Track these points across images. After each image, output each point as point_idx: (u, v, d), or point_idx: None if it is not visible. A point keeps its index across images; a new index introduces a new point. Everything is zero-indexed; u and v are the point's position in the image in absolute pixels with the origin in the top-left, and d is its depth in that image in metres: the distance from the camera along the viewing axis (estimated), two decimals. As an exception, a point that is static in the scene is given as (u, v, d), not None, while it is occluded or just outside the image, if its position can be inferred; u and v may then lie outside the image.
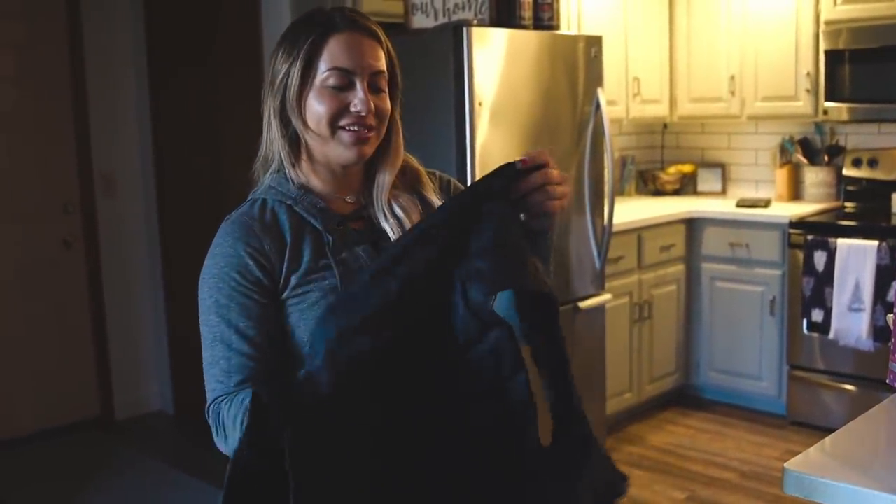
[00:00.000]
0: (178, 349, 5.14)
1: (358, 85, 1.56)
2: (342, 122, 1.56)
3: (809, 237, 4.54)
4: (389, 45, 1.66)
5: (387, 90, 1.62)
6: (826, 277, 4.46)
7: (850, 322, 4.37)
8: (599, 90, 4.13)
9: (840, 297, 4.40)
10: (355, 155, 1.58)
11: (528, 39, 3.82)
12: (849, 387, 4.56)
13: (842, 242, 4.40)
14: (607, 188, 4.23)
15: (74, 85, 4.83)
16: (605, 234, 4.22)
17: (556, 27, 4.06)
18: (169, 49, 4.87)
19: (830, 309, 4.45)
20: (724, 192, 5.62)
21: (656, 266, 4.87)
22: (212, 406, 1.57)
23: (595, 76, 4.14)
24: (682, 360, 5.13)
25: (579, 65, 4.05)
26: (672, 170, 5.69)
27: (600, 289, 4.29)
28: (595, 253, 4.22)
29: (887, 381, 1.91)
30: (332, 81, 1.55)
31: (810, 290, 4.52)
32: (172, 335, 5.15)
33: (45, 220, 4.82)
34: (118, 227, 5.05)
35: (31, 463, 4.56)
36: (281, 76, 1.58)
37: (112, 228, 5.02)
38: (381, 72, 1.60)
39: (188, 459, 4.55)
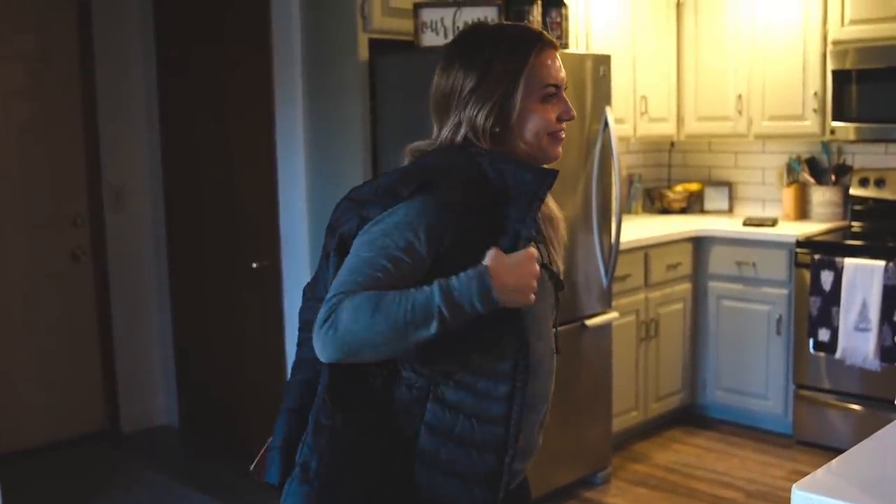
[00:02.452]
0: (184, 363, 5.14)
1: (560, 94, 1.81)
2: (555, 129, 1.80)
3: (816, 256, 4.54)
4: None
5: None
6: (833, 297, 4.46)
7: (857, 342, 4.37)
8: (608, 108, 4.15)
9: (847, 316, 4.40)
10: (558, 155, 1.84)
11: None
12: (855, 406, 4.55)
13: (849, 262, 4.40)
14: (615, 206, 4.24)
15: (85, 98, 4.86)
16: (613, 252, 4.23)
17: (566, 46, 4.08)
18: (179, 63, 4.89)
19: (837, 328, 4.45)
20: (730, 210, 5.63)
21: (663, 284, 4.87)
22: (336, 296, 1.60)
23: (603, 94, 4.16)
24: (689, 379, 5.12)
25: (588, 83, 4.07)
26: (679, 188, 5.70)
27: (607, 307, 4.29)
28: (602, 271, 4.22)
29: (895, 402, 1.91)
30: (549, 93, 1.78)
31: (817, 309, 4.52)
32: (179, 349, 5.16)
33: (54, 233, 4.84)
34: (126, 240, 5.06)
35: (39, 475, 4.56)
36: (495, 92, 1.74)
37: (120, 242, 5.04)
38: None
39: (193, 473, 4.55)
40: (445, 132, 1.80)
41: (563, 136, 1.83)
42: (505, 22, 1.84)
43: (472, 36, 1.83)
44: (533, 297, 1.62)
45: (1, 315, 4.65)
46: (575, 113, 1.85)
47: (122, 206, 5.04)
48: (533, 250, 1.64)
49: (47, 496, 4.32)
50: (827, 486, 1.53)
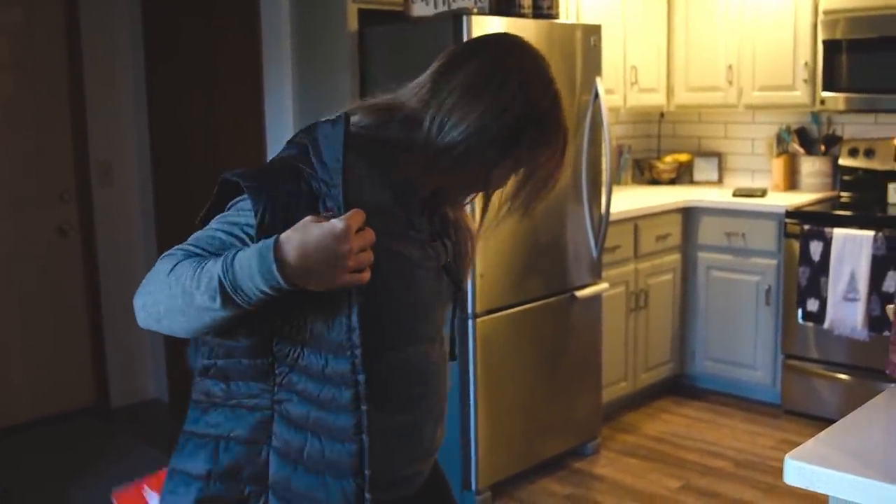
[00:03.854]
0: (173, 338, 5.12)
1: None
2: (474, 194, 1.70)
3: (805, 227, 4.55)
4: None
5: None
6: (822, 267, 4.47)
7: (846, 312, 4.38)
8: (598, 79, 4.13)
9: (835, 286, 4.41)
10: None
11: (527, 28, 3.81)
12: (843, 376, 4.58)
13: (838, 232, 4.41)
14: (605, 177, 4.23)
15: (71, 73, 4.82)
16: (603, 224, 4.23)
17: (556, 16, 4.05)
18: (166, 36, 4.84)
19: (826, 299, 4.47)
20: (720, 181, 5.63)
21: (652, 255, 4.87)
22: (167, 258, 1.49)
23: (594, 65, 4.14)
24: (678, 350, 5.14)
25: (578, 54, 4.05)
26: (668, 159, 5.70)
27: (597, 278, 4.29)
28: (592, 242, 4.22)
29: (887, 372, 1.92)
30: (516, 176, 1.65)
31: (806, 279, 4.53)
32: (168, 323, 5.14)
33: (41, 209, 4.81)
34: (114, 215, 5.04)
35: (29, 450, 4.56)
36: (529, 130, 1.58)
37: (108, 217, 5.01)
38: None
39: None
40: (410, 99, 1.62)
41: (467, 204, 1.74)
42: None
43: (512, 65, 1.59)
44: (348, 277, 1.39)
45: (-12, 290, 4.64)
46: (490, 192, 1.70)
47: (110, 181, 5.00)
48: (351, 222, 1.38)
49: (38, 471, 4.32)
50: (819, 455, 1.54)
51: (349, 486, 1.50)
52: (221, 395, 1.59)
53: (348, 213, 1.39)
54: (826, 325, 4.48)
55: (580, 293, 4.17)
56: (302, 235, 1.36)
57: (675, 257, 5.03)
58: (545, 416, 4.12)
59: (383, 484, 1.57)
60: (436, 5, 3.79)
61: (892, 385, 1.89)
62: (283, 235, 1.37)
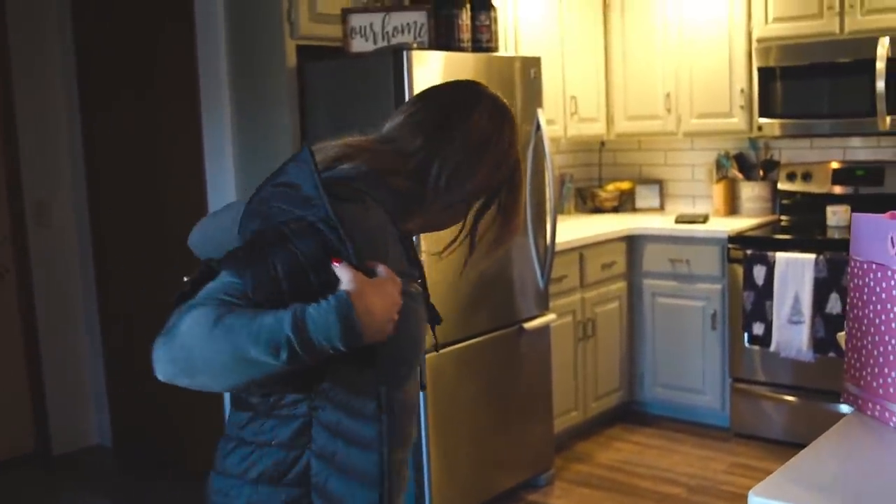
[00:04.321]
0: (116, 380, 5.01)
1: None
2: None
3: (748, 252, 4.59)
4: None
5: None
6: (766, 291, 4.51)
7: (791, 334, 4.43)
8: (539, 110, 4.14)
9: (780, 310, 4.46)
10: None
11: (466, 61, 3.81)
12: (790, 398, 4.62)
13: (780, 256, 4.46)
14: (549, 208, 4.23)
15: (3, 111, 4.70)
16: (549, 254, 4.23)
17: (495, 49, 4.06)
18: (101, 71, 4.75)
19: (771, 322, 4.51)
20: (662, 208, 5.68)
21: (598, 284, 4.88)
22: (186, 306, 1.44)
23: (534, 96, 4.15)
24: (627, 377, 5.15)
25: (518, 86, 4.06)
26: (610, 187, 5.73)
27: (544, 309, 4.29)
28: (538, 273, 4.22)
29: (842, 400, 1.92)
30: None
31: (751, 303, 4.57)
32: (110, 366, 5.02)
33: (-25, 252, 4.68)
34: (52, 256, 4.91)
35: (-35, 504, 4.41)
36: (509, 179, 1.75)
37: (45, 258, 4.89)
38: None
39: (130, 494, 4.44)
40: (404, 145, 1.67)
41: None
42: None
43: (497, 119, 1.74)
44: (394, 316, 1.47)
45: (-79, 339, 4.48)
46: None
47: (47, 221, 4.89)
48: (393, 275, 1.50)
49: (-24, 525, 4.18)
50: (782, 489, 1.53)
51: (374, 498, 1.56)
52: (264, 406, 1.59)
53: (382, 266, 1.49)
54: (772, 347, 4.52)
55: (528, 325, 4.16)
56: (369, 293, 1.42)
57: (620, 285, 5.05)
58: (497, 450, 4.08)
59: None
60: (375, 41, 3.78)
61: (847, 408, 1.90)
62: (354, 293, 1.40)
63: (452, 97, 1.75)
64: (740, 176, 5.29)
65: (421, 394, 1.80)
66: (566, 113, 5.11)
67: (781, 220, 5.11)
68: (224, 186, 4.09)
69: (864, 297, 1.82)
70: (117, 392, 5.02)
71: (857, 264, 1.85)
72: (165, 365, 1.42)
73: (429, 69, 3.60)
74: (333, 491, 1.56)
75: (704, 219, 5.08)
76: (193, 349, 1.38)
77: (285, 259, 1.44)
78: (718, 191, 5.33)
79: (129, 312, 4.83)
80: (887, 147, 4.88)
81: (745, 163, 5.31)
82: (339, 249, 1.46)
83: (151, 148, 4.52)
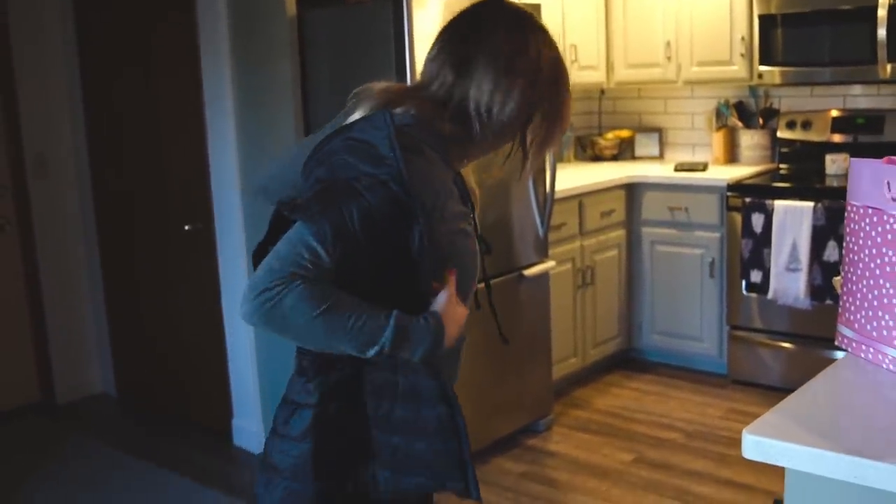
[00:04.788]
0: (119, 329, 5.05)
1: None
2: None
3: (747, 200, 4.61)
4: None
5: None
6: (764, 239, 4.54)
7: (788, 282, 4.46)
8: (539, 58, 4.12)
9: (778, 257, 4.48)
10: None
11: (466, 5, 3.78)
12: (787, 345, 4.66)
13: (779, 204, 4.48)
14: (549, 157, 4.24)
15: (2, 66, 4.69)
16: (548, 202, 4.24)
17: (495, -4, 4.03)
18: (98, 23, 4.73)
19: (769, 270, 4.54)
20: (661, 156, 5.68)
21: (598, 232, 4.91)
22: (292, 275, 1.50)
23: (534, 44, 4.13)
24: (625, 324, 5.19)
25: (518, 33, 4.04)
26: (610, 135, 5.73)
27: (544, 256, 4.32)
28: (538, 221, 4.24)
29: (836, 343, 1.95)
30: None
31: (749, 251, 4.60)
32: (112, 315, 5.06)
33: (-23, 203, 4.70)
34: (52, 207, 4.93)
35: (-27, 451, 4.48)
36: (537, 103, 1.70)
37: (46, 209, 4.91)
38: None
39: (133, 442, 4.50)
40: (438, 88, 1.69)
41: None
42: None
43: (529, 30, 1.73)
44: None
45: (-75, 289, 4.52)
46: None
47: (47, 172, 4.90)
48: (452, 285, 1.62)
49: (-16, 471, 4.24)
50: (775, 428, 1.56)
51: (442, 411, 1.63)
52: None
53: (451, 289, 1.61)
54: (769, 295, 4.55)
55: (527, 272, 4.19)
56: (451, 310, 1.60)
57: (619, 233, 5.07)
58: (497, 396, 4.13)
59: None
60: (376, -12, 3.76)
61: (843, 354, 1.93)
62: (445, 317, 1.58)
63: (470, 24, 1.72)
64: (740, 124, 5.29)
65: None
66: (566, 61, 5.08)
67: (780, 169, 5.12)
68: (225, 136, 4.10)
69: (861, 241, 1.84)
70: (120, 342, 5.07)
71: (854, 209, 1.87)
72: (256, 321, 1.51)
73: (429, 12, 3.58)
74: (397, 419, 1.65)
75: (704, 167, 5.09)
76: (291, 326, 1.50)
77: (359, 209, 1.51)
78: (718, 139, 5.33)
79: (131, 263, 4.86)
80: (887, 95, 4.88)
81: (745, 111, 5.30)
82: (407, 204, 1.52)
83: (150, 98, 4.51)
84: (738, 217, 4.67)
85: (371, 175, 1.53)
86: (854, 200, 1.87)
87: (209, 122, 4.16)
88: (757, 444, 1.53)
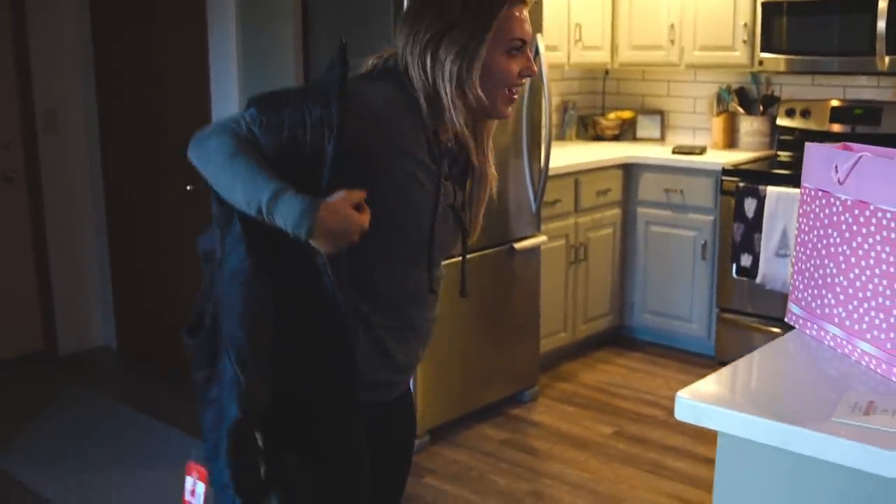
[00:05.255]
0: (121, 285, 5.17)
1: (525, 51, 1.84)
2: (514, 83, 1.83)
3: (740, 184, 4.68)
4: None
5: None
6: (755, 224, 4.61)
7: (777, 267, 4.53)
8: (538, 36, 4.20)
9: (768, 243, 4.55)
10: (508, 115, 1.88)
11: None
12: (775, 329, 4.73)
13: (771, 190, 4.54)
14: (544, 133, 4.31)
15: (14, 19, 4.79)
16: (542, 178, 4.32)
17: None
18: (112, -16, 4.84)
19: (758, 254, 4.61)
20: (662, 138, 5.74)
21: (592, 210, 4.98)
22: (221, 125, 1.76)
23: (534, 22, 4.19)
24: (617, 302, 5.28)
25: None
26: (612, 116, 5.80)
27: (536, 230, 4.40)
28: (531, 196, 4.32)
29: (786, 320, 2.04)
30: (515, 47, 1.81)
31: (740, 235, 4.67)
32: (116, 271, 5.18)
33: (-14, 155, 4.81)
34: (60, 162, 5.04)
35: (-26, 395, 4.61)
36: (467, 34, 1.77)
37: (54, 164, 5.02)
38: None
39: (133, 394, 4.62)
40: (400, 59, 1.84)
41: (516, 97, 1.87)
42: None
43: None
44: (352, 240, 1.67)
45: (-67, 236, 4.64)
46: (536, 70, 1.91)
47: (55, 128, 5.00)
48: (358, 194, 1.67)
49: (-16, 415, 4.38)
50: (709, 393, 1.66)
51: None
52: None
53: (352, 194, 1.66)
54: (758, 280, 4.63)
55: (519, 245, 4.27)
56: (340, 209, 1.64)
57: (615, 212, 5.14)
58: (483, 364, 4.23)
59: (370, 383, 1.88)
60: (379, -42, 3.83)
61: (791, 331, 2.01)
62: (323, 207, 1.63)
63: None
64: (740, 110, 5.34)
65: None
66: (570, 40, 5.15)
67: (779, 156, 5.18)
68: (229, 99, 4.19)
69: (811, 222, 1.92)
70: (121, 297, 5.19)
71: (807, 191, 1.95)
72: (192, 155, 1.78)
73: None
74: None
75: (701, 150, 5.15)
76: (209, 162, 1.72)
77: (294, 112, 1.71)
78: (718, 124, 5.39)
79: (136, 219, 4.96)
80: (886, 87, 4.92)
81: (746, 97, 5.35)
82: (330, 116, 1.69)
83: (157, 58, 4.61)
84: (731, 201, 4.74)
85: (323, 94, 1.71)
86: (807, 183, 1.96)
87: (213, 82, 4.25)
88: (688, 407, 1.62)
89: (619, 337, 5.38)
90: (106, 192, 5.10)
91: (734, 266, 4.74)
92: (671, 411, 4.18)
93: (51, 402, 4.52)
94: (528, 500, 3.57)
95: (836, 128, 4.98)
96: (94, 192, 5.15)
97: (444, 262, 2.02)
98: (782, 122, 5.17)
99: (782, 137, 5.20)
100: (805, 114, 5.08)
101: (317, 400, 1.85)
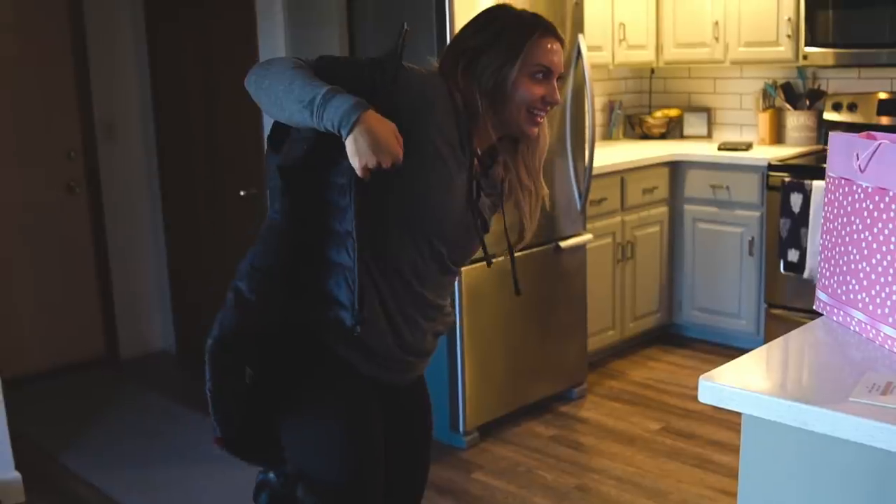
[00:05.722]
0: (179, 290, 5.33)
1: (551, 79, 2.01)
2: (538, 105, 1.99)
3: (786, 179, 4.68)
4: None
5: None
6: (802, 219, 4.60)
7: (824, 261, 4.51)
8: (581, 36, 4.25)
9: (814, 237, 4.55)
10: (533, 133, 2.03)
11: None
12: (823, 324, 4.72)
13: (817, 184, 4.54)
14: (587, 133, 4.37)
15: (73, 33, 4.97)
16: (586, 177, 4.37)
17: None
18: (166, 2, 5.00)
19: (805, 249, 4.61)
20: (709, 135, 5.75)
21: (639, 208, 5.01)
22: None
23: (577, 22, 4.26)
24: (665, 299, 5.30)
25: (560, 12, 4.17)
26: (658, 114, 5.82)
27: (581, 229, 4.45)
28: (576, 194, 4.37)
29: (814, 307, 2.08)
30: (538, 74, 1.98)
31: (787, 231, 4.67)
32: (173, 276, 5.34)
33: (49, 166, 4.98)
34: (119, 171, 5.21)
35: (41, 398, 4.78)
36: (502, 57, 1.96)
37: (113, 172, 5.19)
38: (563, 74, 2.07)
39: (190, 395, 4.75)
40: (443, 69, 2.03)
41: (541, 119, 2.03)
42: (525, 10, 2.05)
43: (494, 9, 2.08)
44: (385, 163, 1.77)
45: (1, 247, 4.82)
46: (560, 100, 2.06)
47: (115, 138, 5.17)
48: (391, 127, 1.80)
49: (50, 417, 4.54)
50: (731, 376, 1.70)
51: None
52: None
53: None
54: (805, 274, 4.62)
55: (564, 243, 4.33)
56: (385, 123, 1.77)
57: (661, 210, 5.17)
58: (532, 362, 4.29)
59: (376, 354, 2.02)
60: (422, -35, 3.91)
61: (818, 318, 2.05)
62: (369, 113, 1.75)
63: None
64: (787, 105, 5.33)
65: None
66: (614, 39, 5.20)
67: (825, 150, 5.15)
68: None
69: (836, 210, 1.96)
70: (180, 302, 5.34)
71: (831, 180, 1.99)
72: (250, 78, 1.91)
73: (470, -5, 3.73)
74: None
75: (747, 147, 5.16)
76: (268, 76, 1.86)
77: (351, 68, 1.94)
78: (764, 119, 5.39)
79: (192, 225, 5.11)
80: (935, 78, 4.89)
81: (792, 92, 5.34)
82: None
83: (211, 69, 4.75)
84: (778, 196, 4.74)
85: (375, 68, 1.90)
86: (831, 172, 2.00)
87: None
88: (710, 389, 1.67)
89: (667, 334, 5.40)
90: (163, 198, 5.27)
91: (781, 261, 4.74)
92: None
93: (113, 405, 4.67)
94: (574, 495, 3.62)
95: (885, 120, 4.95)
96: (152, 199, 5.32)
97: (495, 260, 2.17)
98: (829, 116, 5.15)
99: (829, 132, 5.17)
100: (852, 107, 5.05)
101: (320, 336, 2.00)
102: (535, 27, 1.99)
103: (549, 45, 2.00)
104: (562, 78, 2.07)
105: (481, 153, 2.06)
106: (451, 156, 1.96)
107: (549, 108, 2.02)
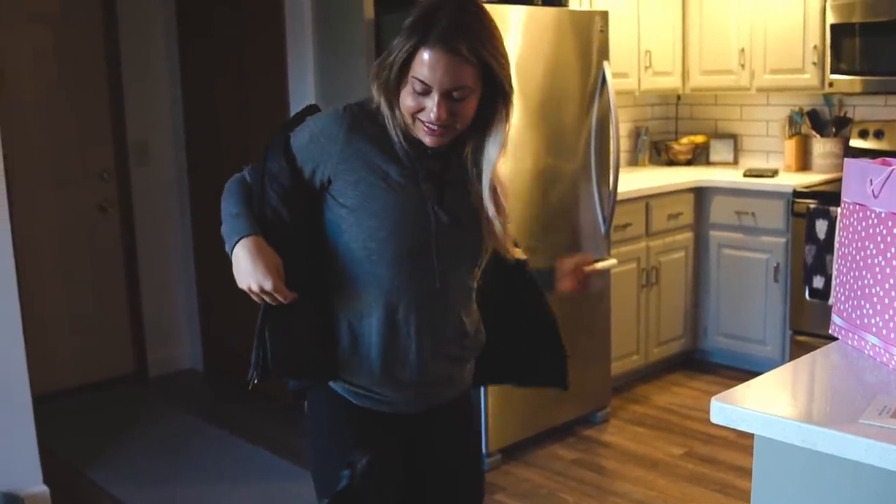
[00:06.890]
0: (207, 310, 5.40)
1: (433, 95, 1.87)
2: (421, 118, 1.90)
3: (811, 206, 4.69)
4: (484, 53, 1.89)
5: (467, 96, 1.90)
6: (827, 245, 4.61)
7: (849, 288, 4.51)
8: (606, 63, 4.30)
9: (839, 264, 4.54)
10: (431, 143, 1.95)
11: (539, 15, 4.01)
12: (849, 351, 4.71)
13: (842, 211, 4.54)
14: (612, 158, 4.40)
15: (108, 57, 5.08)
16: (611, 202, 4.40)
17: (565, 3, 4.23)
18: (197, 22, 5.09)
19: (831, 276, 4.60)
20: (735, 162, 5.77)
21: (664, 233, 5.03)
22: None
23: (602, 49, 4.31)
24: (690, 325, 5.30)
25: (586, 39, 4.22)
26: (685, 140, 5.84)
27: (606, 254, 4.48)
28: (601, 219, 4.40)
29: (830, 331, 2.10)
30: (416, 87, 1.87)
31: (812, 257, 4.67)
32: (202, 296, 5.41)
33: (83, 187, 5.09)
34: (151, 192, 5.31)
35: (71, 414, 4.85)
36: (388, 62, 1.91)
37: (145, 194, 5.29)
38: (459, 87, 1.87)
39: (218, 413, 4.81)
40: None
41: (435, 129, 1.90)
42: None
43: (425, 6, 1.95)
44: (252, 287, 2.08)
45: (35, 266, 4.90)
46: (436, 122, 1.88)
47: (147, 160, 5.27)
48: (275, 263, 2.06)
49: (78, 432, 4.61)
50: (743, 397, 1.73)
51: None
52: None
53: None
54: (830, 301, 4.58)
55: (588, 268, 4.34)
56: (250, 254, 2.06)
57: (687, 235, 5.19)
58: (554, 386, 4.30)
59: (382, 374, 2.06)
60: (448, -7, 3.98)
61: (833, 342, 2.07)
62: (247, 240, 2.07)
63: None
64: (813, 132, 5.35)
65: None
66: (640, 66, 5.24)
67: (852, 177, 5.15)
68: (306, 130, 4.37)
69: (850, 235, 1.99)
70: (209, 321, 5.41)
71: (846, 205, 2.02)
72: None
73: (501, 23, 3.77)
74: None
75: (773, 173, 5.17)
76: (223, 200, 2.20)
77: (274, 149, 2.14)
78: (790, 146, 5.40)
79: (221, 245, 5.16)
80: (962, 106, 4.89)
81: (819, 119, 5.35)
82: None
83: (241, 93, 4.84)
84: (803, 223, 4.75)
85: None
86: (846, 198, 2.02)
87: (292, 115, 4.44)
88: (721, 410, 1.70)
89: (692, 360, 5.40)
90: (193, 220, 5.35)
91: (806, 288, 4.74)
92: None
93: (141, 422, 4.74)
94: (595, 517, 3.64)
95: (912, 148, 4.96)
96: (182, 220, 5.41)
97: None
98: (855, 143, 5.16)
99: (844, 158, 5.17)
100: (878, 134, 5.06)
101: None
102: (425, 34, 1.84)
103: (430, 59, 1.83)
104: (461, 91, 1.87)
105: (441, 149, 1.97)
106: (395, 170, 1.96)
107: (436, 123, 1.87)
